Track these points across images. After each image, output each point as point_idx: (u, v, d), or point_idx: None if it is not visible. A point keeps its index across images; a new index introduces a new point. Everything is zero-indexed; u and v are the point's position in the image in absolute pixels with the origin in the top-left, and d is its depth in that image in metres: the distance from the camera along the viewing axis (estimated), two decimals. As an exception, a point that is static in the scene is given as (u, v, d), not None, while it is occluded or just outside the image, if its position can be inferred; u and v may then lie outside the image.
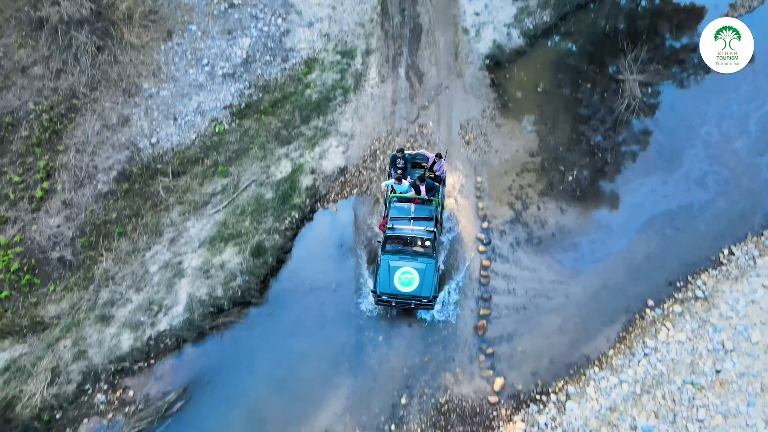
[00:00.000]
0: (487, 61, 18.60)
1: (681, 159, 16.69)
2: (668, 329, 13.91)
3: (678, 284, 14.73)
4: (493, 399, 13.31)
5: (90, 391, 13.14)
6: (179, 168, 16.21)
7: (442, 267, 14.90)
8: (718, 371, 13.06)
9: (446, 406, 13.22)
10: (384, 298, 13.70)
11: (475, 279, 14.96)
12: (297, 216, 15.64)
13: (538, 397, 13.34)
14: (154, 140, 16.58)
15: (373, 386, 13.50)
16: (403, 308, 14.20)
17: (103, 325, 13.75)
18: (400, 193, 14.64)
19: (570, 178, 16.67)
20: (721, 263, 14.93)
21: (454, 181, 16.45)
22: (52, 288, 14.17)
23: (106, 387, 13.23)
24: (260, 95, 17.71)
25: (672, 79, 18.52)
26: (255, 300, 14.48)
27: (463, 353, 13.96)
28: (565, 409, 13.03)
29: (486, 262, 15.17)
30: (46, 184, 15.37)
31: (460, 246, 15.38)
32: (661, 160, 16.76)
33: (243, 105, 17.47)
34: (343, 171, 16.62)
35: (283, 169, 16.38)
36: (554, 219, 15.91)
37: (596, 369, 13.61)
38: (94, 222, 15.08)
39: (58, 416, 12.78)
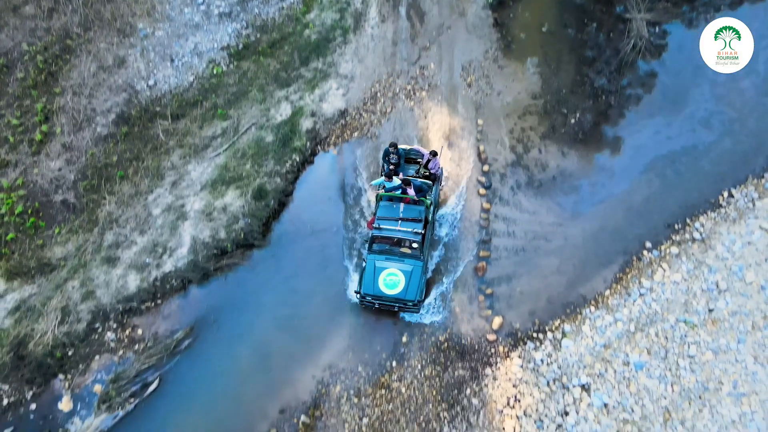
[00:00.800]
0: (490, 0, 18.06)
1: (686, 99, 16.46)
2: (664, 270, 14.16)
3: (676, 226, 14.86)
4: (492, 337, 13.71)
5: (100, 330, 13.54)
6: (178, 111, 16.06)
7: (432, 267, 14.41)
8: (710, 310, 13.39)
9: (446, 344, 13.64)
10: (368, 299, 13.35)
11: (475, 222, 15.10)
12: (298, 159, 15.63)
13: (534, 335, 13.72)
14: (151, 82, 16.34)
15: (374, 325, 13.89)
16: (387, 310, 13.65)
17: (110, 266, 14.01)
18: (390, 190, 14.05)
19: (572, 120, 16.52)
20: (720, 206, 15.01)
21: (455, 124, 16.32)
22: (57, 230, 14.35)
23: (115, 326, 13.63)
24: (258, 36, 17.31)
25: (681, 18, 18.01)
26: (258, 242, 14.68)
27: (463, 293, 14.26)
28: (560, 346, 13.44)
29: (486, 205, 15.27)
30: (44, 127, 15.29)
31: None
32: (665, 102, 16.55)
33: (240, 46, 17.11)
34: (343, 114, 16.46)
35: (283, 111, 16.23)
36: (555, 162, 15.88)
37: (592, 308, 13.94)
38: (95, 165, 15.10)
39: (70, 353, 13.22)
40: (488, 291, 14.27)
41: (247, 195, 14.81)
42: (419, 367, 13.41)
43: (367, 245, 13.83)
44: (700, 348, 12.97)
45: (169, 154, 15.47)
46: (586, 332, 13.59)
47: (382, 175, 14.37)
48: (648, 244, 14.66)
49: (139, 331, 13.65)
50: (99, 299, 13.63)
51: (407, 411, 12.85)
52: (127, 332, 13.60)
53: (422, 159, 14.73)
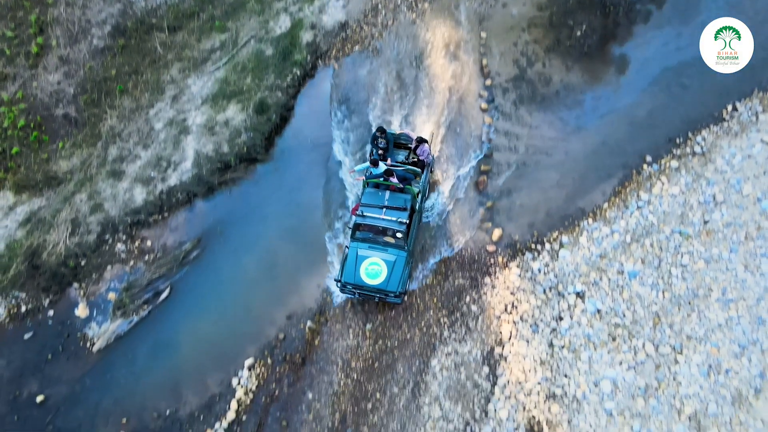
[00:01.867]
0: None
1: (698, 8, 15.91)
2: (663, 183, 14.32)
3: (678, 140, 14.87)
4: (491, 248, 14.09)
5: (110, 241, 13.93)
6: (175, 23, 15.69)
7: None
8: (706, 222, 13.68)
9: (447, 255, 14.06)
10: (349, 287, 12.91)
11: (477, 137, 15.12)
12: (298, 73, 15.44)
13: (533, 246, 14.09)
14: (145, -8, 15.88)
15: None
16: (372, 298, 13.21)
17: (115, 180, 14.21)
18: (376, 177, 13.41)
19: (578, 33, 16.12)
20: (723, 119, 14.93)
21: (457, 38, 15.96)
22: (60, 145, 14.42)
23: (124, 238, 14.01)
24: (254, -58, 16.60)
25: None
26: (260, 156, 14.81)
27: (463, 207, 14.53)
28: (558, 256, 13.84)
29: (488, 120, 15.23)
30: (40, 40, 15.00)
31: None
32: (675, 12, 16.04)
33: (236, -48, 16.44)
34: (343, 26, 16.08)
35: (282, 24, 15.84)
36: (559, 76, 15.66)
37: (590, 221, 14.22)
38: (94, 79, 14.94)
39: (82, 263, 13.68)
40: (488, 204, 14.52)
41: (248, 109, 14.76)
42: (421, 276, 13.89)
43: (350, 232, 13.28)
44: (692, 257, 13.37)
45: (168, 67, 15.26)
46: (583, 243, 13.95)
47: (369, 158, 13.62)
48: (648, 158, 14.74)
49: (148, 243, 14.05)
50: (107, 212, 13.93)
51: (409, 317, 13.44)
52: (137, 244, 14.01)
53: (411, 144, 14.06)
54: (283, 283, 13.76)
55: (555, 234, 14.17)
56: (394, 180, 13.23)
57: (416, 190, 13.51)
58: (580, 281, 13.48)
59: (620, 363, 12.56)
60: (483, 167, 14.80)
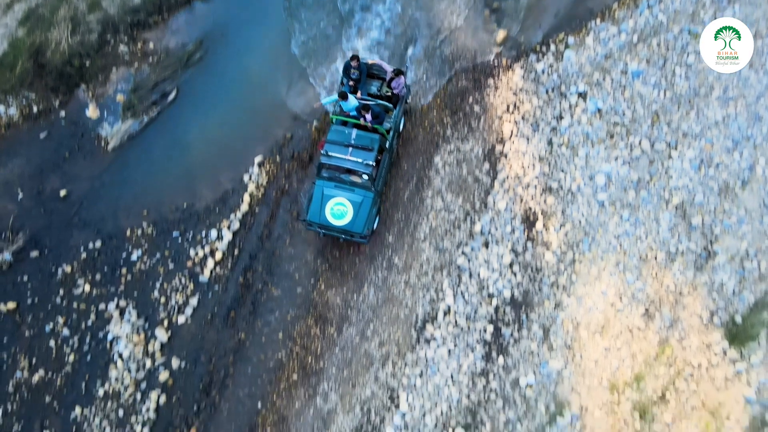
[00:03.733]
0: None
1: None
2: (677, -20, 13.84)
3: (698, -66, 14.12)
4: (496, 50, 13.99)
5: (112, 42, 13.84)
6: None
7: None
8: (716, 19, 13.41)
9: (451, 56, 13.99)
10: (314, 226, 12.51)
11: (485, -66, 14.34)
12: None
13: (538, 47, 13.96)
14: None
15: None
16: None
17: (109, -21, 13.80)
18: (345, 112, 12.49)
19: None
20: None
21: None
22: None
23: (126, 39, 13.89)
24: None
25: None
26: (259, -41, 14.22)
27: (468, 9, 14.18)
28: (562, 57, 13.77)
29: None
30: None
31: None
32: None
33: None
34: None
35: None
36: None
37: (598, 21, 13.92)
38: None
39: (87, 63, 13.69)
40: (495, 5, 14.17)
41: None
42: (424, 78, 13.96)
43: (316, 170, 12.60)
44: (698, 57, 13.30)
45: None
46: (588, 44, 13.80)
47: (341, 88, 12.55)
48: (665, -46, 14.09)
49: (151, 45, 13.96)
50: (106, 10, 13.69)
51: (413, 117, 13.73)
52: (139, 45, 13.93)
53: (386, 76, 12.98)
54: (288, 84, 13.86)
55: (561, 35, 13.97)
56: (368, 117, 12.34)
57: (387, 126, 12.73)
58: (583, 81, 13.55)
59: (616, 158, 13.04)
60: (490, -32, 14.23)
